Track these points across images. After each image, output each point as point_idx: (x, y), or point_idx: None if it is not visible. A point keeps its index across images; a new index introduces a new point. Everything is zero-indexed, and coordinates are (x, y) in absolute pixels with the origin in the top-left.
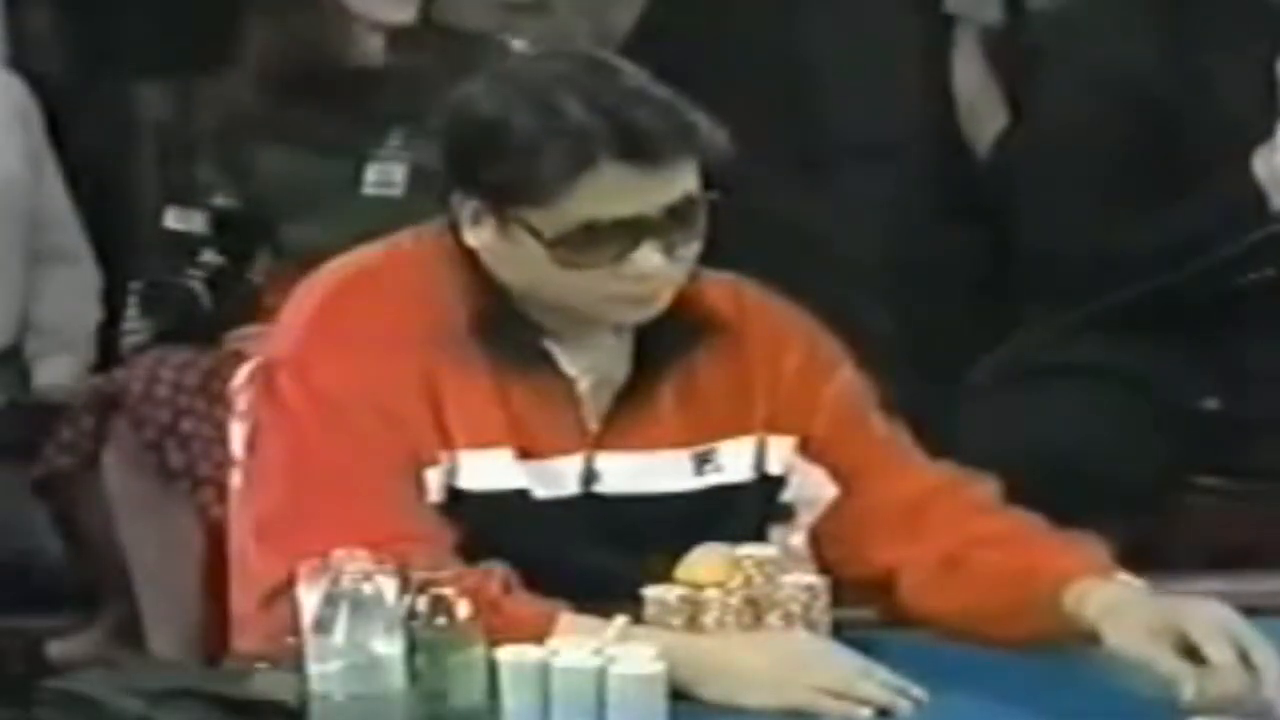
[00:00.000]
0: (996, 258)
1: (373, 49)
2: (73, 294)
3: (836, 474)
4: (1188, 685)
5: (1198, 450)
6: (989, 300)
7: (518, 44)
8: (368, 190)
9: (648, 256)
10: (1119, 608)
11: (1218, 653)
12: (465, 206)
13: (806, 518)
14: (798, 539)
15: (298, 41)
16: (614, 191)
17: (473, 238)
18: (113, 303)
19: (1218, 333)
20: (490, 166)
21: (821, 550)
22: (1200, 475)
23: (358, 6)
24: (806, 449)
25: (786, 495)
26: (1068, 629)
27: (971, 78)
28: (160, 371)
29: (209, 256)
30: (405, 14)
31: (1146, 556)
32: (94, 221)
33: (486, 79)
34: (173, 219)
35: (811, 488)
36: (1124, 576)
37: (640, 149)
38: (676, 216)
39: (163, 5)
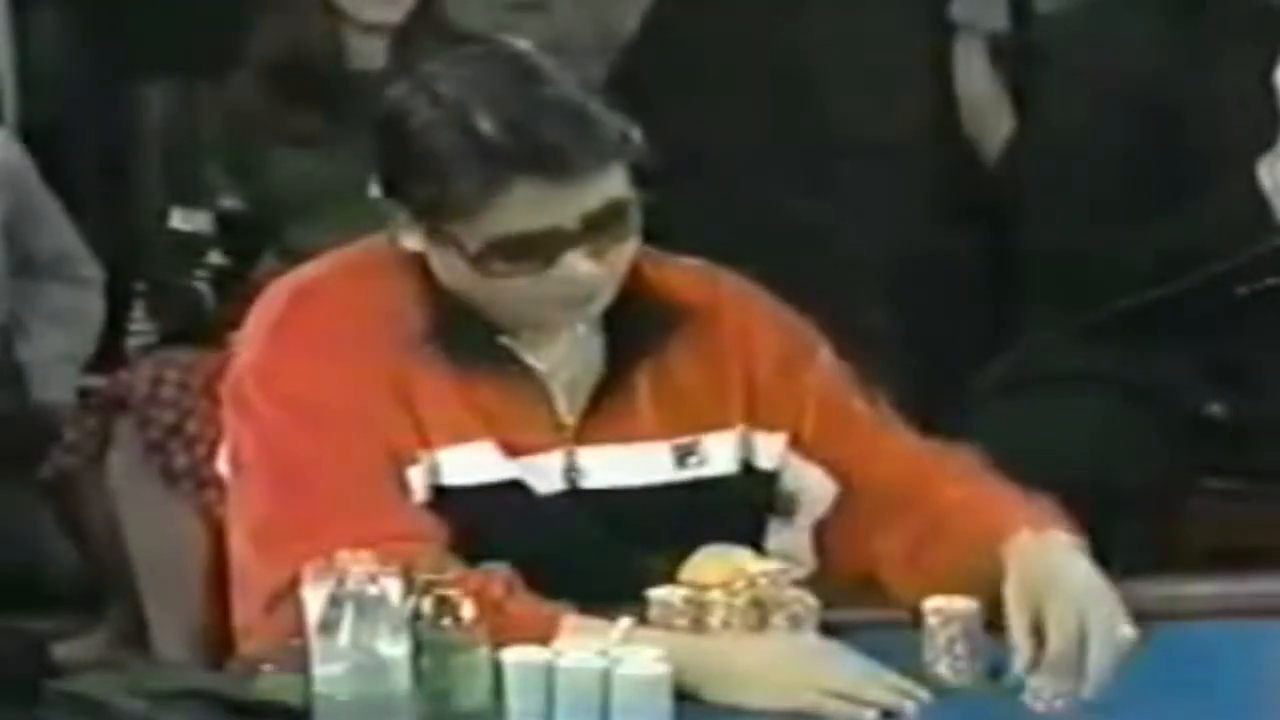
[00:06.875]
0: (1001, 263)
1: (375, 50)
2: (76, 326)
3: (834, 470)
4: (1019, 660)
5: (1201, 454)
6: (993, 306)
7: (518, 44)
8: (373, 192)
9: (571, 264)
10: (1025, 559)
11: (1056, 644)
12: (396, 213)
13: (807, 518)
14: (803, 539)
15: (294, 43)
16: (527, 206)
17: (408, 241)
18: (118, 304)
19: (1222, 338)
20: (411, 182)
21: (829, 547)
22: (1204, 479)
23: (346, 7)
24: (798, 446)
25: (788, 488)
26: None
27: (976, 82)
28: (165, 373)
29: (214, 258)
30: (394, 14)
31: (1150, 558)
32: (99, 223)
33: (411, 84)
34: (178, 220)
35: (813, 487)
36: (1056, 531)
37: (549, 164)
38: (598, 224)
39: (167, 7)
